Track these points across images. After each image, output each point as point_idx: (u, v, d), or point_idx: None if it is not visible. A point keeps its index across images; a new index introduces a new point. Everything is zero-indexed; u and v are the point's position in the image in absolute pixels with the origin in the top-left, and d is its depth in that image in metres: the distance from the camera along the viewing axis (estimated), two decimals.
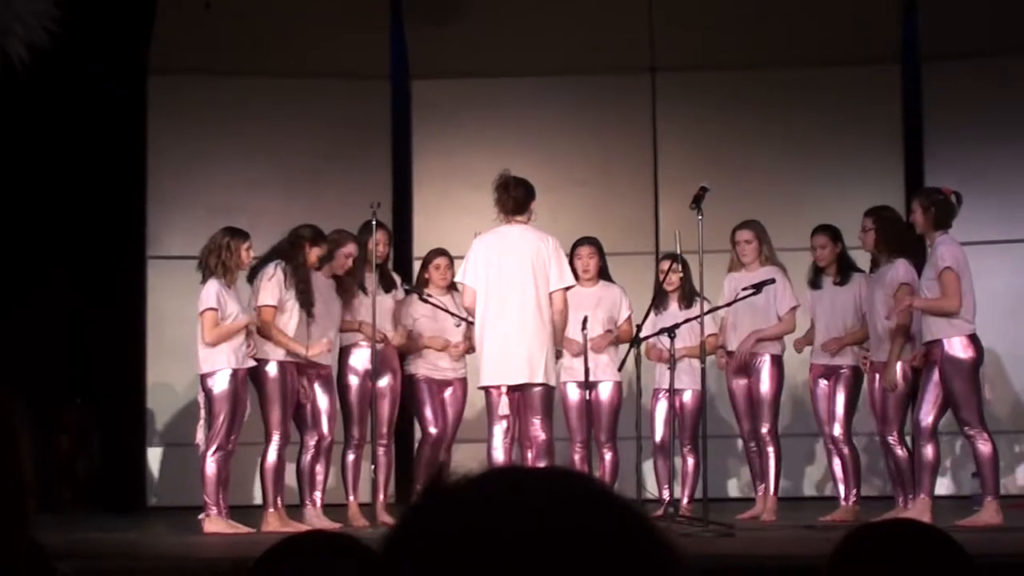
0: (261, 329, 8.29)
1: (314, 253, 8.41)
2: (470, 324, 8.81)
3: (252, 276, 8.39)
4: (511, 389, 7.59)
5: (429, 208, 11.31)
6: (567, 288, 7.68)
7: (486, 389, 7.68)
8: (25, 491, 1.40)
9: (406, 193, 11.44)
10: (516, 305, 7.53)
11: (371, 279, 8.67)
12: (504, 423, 7.57)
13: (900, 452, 8.22)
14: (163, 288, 10.84)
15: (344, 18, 11.23)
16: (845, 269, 8.78)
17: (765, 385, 8.77)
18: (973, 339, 7.75)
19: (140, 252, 11.00)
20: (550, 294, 7.58)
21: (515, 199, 7.71)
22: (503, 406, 7.53)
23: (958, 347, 7.72)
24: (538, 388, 7.54)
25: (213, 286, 8.17)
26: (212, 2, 10.32)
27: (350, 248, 8.66)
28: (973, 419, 7.71)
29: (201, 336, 8.16)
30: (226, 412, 8.15)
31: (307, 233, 8.45)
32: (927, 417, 7.86)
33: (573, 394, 8.69)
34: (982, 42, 10.90)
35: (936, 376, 7.77)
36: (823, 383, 8.77)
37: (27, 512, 1.41)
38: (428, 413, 8.89)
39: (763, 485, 8.91)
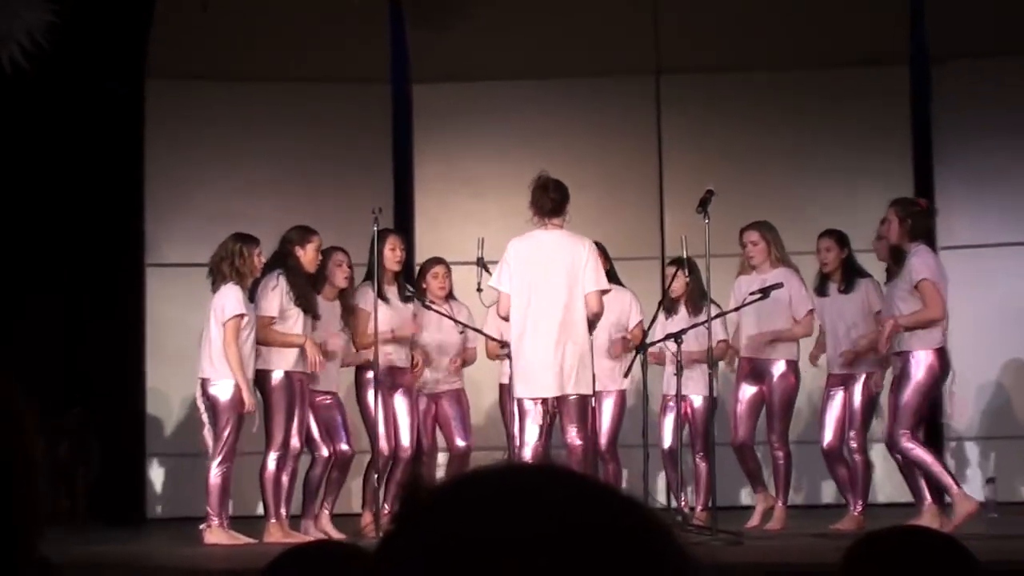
0: (261, 339, 8.31)
1: (308, 252, 8.40)
2: (476, 331, 8.86)
3: (252, 288, 8.39)
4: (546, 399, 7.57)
5: (431, 215, 11.32)
6: (603, 291, 7.63)
7: (520, 399, 7.63)
8: (34, 486, 1.39)
9: (407, 200, 11.45)
10: (553, 314, 7.47)
11: (386, 287, 8.67)
12: (537, 428, 7.56)
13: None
14: (162, 296, 10.85)
15: (343, 21, 11.23)
16: (851, 276, 8.75)
17: (778, 391, 8.75)
18: (941, 353, 7.80)
19: (138, 260, 11.01)
20: (585, 296, 7.53)
21: (554, 200, 7.62)
22: (537, 415, 7.51)
23: (923, 361, 7.77)
24: (574, 397, 7.52)
25: (235, 291, 8.16)
26: (210, 5, 10.31)
27: (338, 256, 8.68)
28: (906, 428, 7.76)
29: (223, 342, 8.11)
30: (233, 422, 8.15)
31: (293, 236, 8.45)
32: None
33: None
34: (991, 43, 10.90)
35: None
36: (839, 393, 8.74)
37: (38, 514, 1.40)
38: (419, 430, 8.95)
39: (761, 488, 8.93)
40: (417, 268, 9.55)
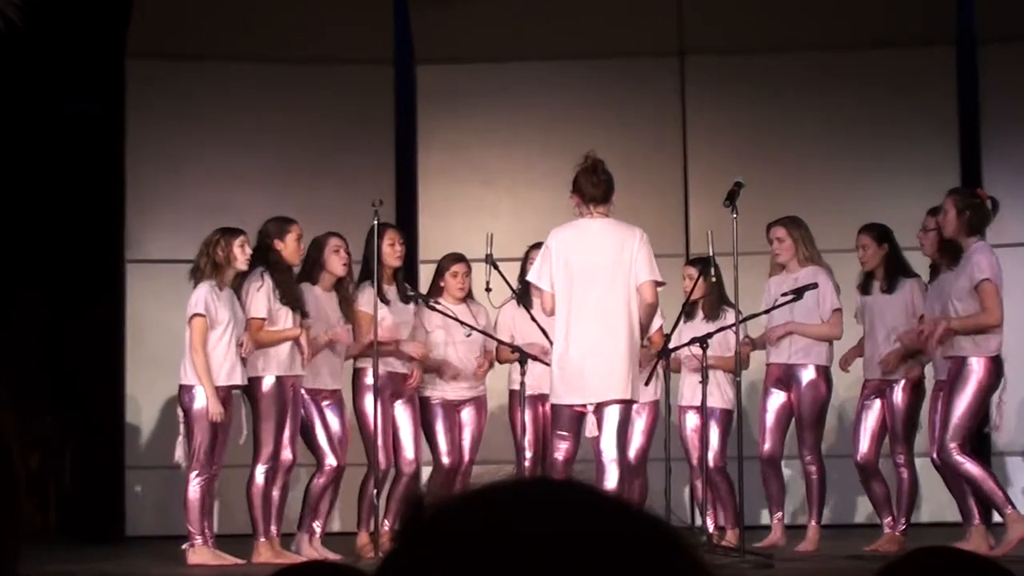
0: (256, 343, 8.33)
1: (289, 243, 8.43)
2: (487, 336, 8.85)
3: (239, 283, 8.43)
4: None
5: (436, 206, 11.32)
6: (658, 283, 7.48)
7: (557, 406, 7.51)
8: (16, 503, 1.41)
9: (410, 189, 11.46)
10: (600, 311, 7.34)
11: (385, 287, 8.68)
12: (567, 440, 7.46)
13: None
14: (143, 294, 10.85)
15: None
16: (894, 274, 8.72)
17: (807, 399, 8.73)
18: (996, 361, 7.82)
19: (118, 255, 11.02)
20: (638, 287, 7.39)
21: (603, 184, 7.53)
22: (591, 427, 7.35)
23: (977, 369, 7.79)
24: (616, 404, 7.37)
25: (201, 290, 8.20)
26: None
27: (335, 241, 8.69)
28: (957, 441, 7.77)
29: (190, 344, 8.19)
30: (206, 430, 8.17)
31: (270, 229, 8.51)
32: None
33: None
34: None
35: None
36: (876, 401, 8.73)
37: (19, 530, 1.42)
38: (441, 442, 8.91)
39: (779, 511, 8.92)
40: (420, 264, 9.55)
